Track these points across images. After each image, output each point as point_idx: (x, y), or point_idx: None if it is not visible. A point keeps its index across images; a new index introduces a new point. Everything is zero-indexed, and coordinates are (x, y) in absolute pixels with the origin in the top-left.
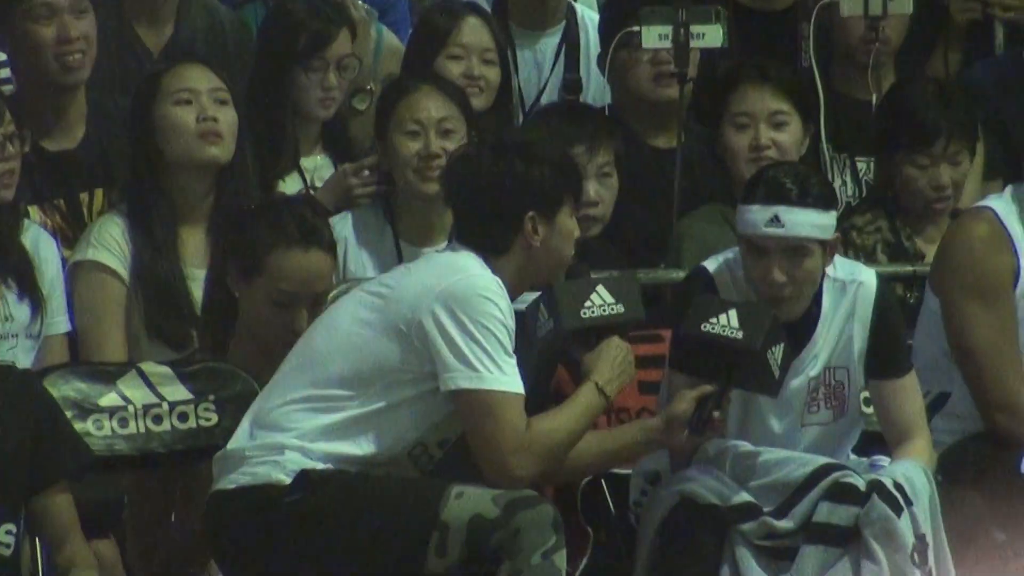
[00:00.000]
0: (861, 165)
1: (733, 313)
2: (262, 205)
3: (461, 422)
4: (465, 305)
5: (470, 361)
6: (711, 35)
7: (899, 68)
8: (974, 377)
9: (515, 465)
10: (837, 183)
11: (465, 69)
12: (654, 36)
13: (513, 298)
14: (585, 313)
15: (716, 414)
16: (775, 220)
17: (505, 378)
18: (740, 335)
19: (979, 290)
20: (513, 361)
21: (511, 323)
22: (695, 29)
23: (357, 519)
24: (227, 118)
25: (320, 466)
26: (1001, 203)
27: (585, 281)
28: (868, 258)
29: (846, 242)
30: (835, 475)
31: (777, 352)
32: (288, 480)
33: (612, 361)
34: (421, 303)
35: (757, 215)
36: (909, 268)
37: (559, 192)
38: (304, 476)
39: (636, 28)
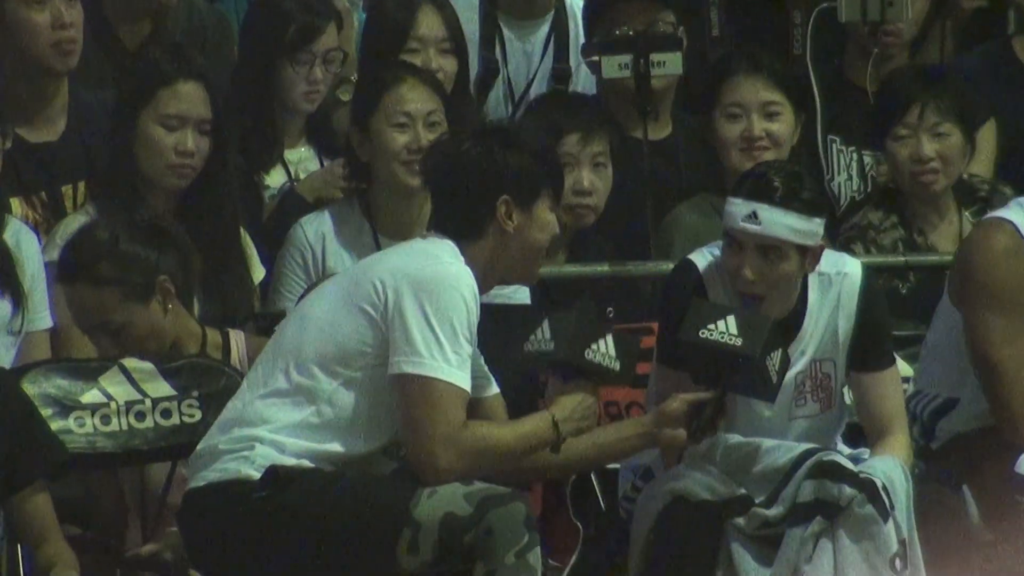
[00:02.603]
0: (868, 160)
1: (732, 320)
2: None
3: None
4: (429, 292)
5: (418, 347)
6: (671, 63)
7: (913, 55)
8: (996, 390)
9: (441, 456)
10: (842, 177)
11: (422, 62)
12: (614, 66)
13: (485, 289)
14: (588, 354)
15: (715, 418)
16: (752, 216)
17: (450, 369)
18: (740, 342)
19: (1001, 303)
20: (466, 356)
21: (474, 318)
22: (655, 57)
23: (327, 516)
24: (204, 149)
25: (291, 461)
26: (1018, 214)
27: (600, 324)
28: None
29: (865, 241)
30: (817, 455)
31: (775, 358)
32: (257, 475)
33: (579, 406)
34: (389, 284)
35: (738, 208)
36: (901, 259)
37: (537, 181)
38: (273, 471)
39: (596, 58)
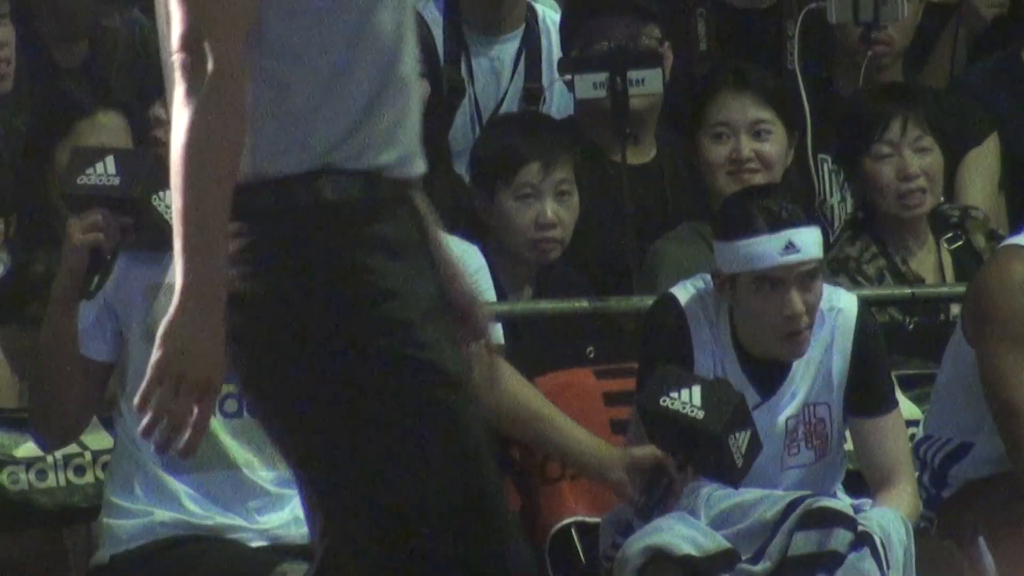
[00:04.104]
0: None
1: (697, 390)
2: None
3: None
4: None
5: None
6: (651, 81)
7: (907, 70)
8: (1014, 433)
9: None
10: (835, 199)
11: None
12: (588, 86)
13: None
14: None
15: (673, 488)
16: (790, 247)
17: None
18: (701, 415)
19: (1019, 338)
20: None
21: None
22: (633, 75)
23: None
24: None
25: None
26: None
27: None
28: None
29: (848, 272)
30: (807, 501)
31: (742, 439)
32: None
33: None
34: None
35: (768, 245)
36: (907, 290)
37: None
38: None
39: (569, 76)
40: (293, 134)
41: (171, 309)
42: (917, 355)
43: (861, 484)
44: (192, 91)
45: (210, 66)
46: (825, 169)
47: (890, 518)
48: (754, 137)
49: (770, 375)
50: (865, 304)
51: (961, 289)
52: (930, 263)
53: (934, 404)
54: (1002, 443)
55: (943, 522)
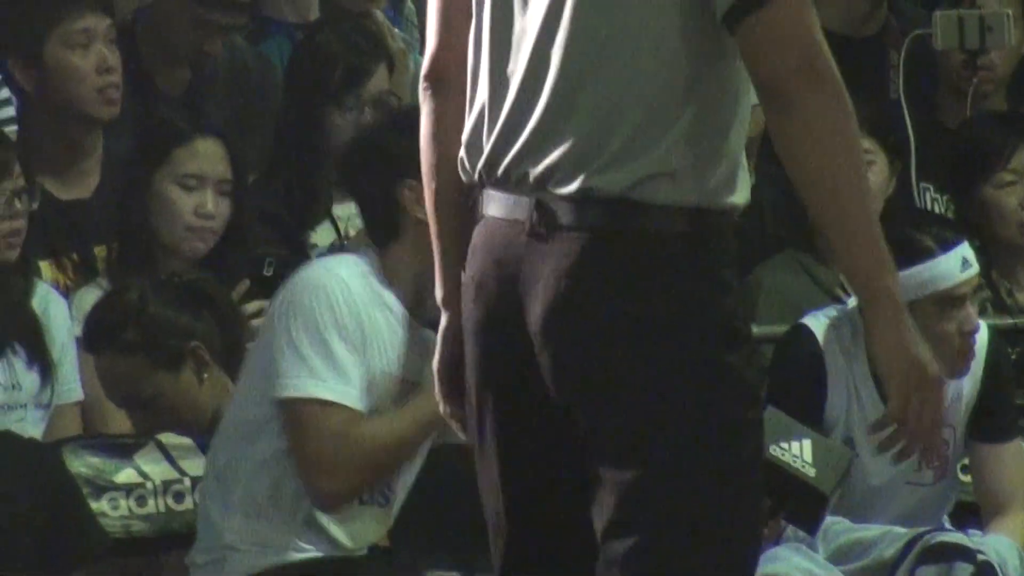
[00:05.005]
0: None
1: (808, 444)
2: None
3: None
4: (291, 307)
5: (280, 367)
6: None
7: (1012, 98)
8: None
9: (322, 482)
10: None
11: None
12: None
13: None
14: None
15: (765, 532)
16: (966, 262)
17: (316, 384)
18: (812, 474)
19: None
20: (343, 363)
21: (348, 318)
22: None
23: None
24: (224, 211)
25: None
26: None
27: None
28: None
29: None
30: (925, 538)
31: (836, 496)
32: None
33: None
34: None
35: (948, 264)
36: (1011, 321)
37: None
38: None
39: None
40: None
41: (868, 326)
42: (1021, 386)
43: (966, 516)
44: (819, 101)
45: (830, 89)
46: (927, 197)
47: (1006, 545)
48: None
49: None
50: (995, 330)
51: None
52: None
53: None
54: None
55: None
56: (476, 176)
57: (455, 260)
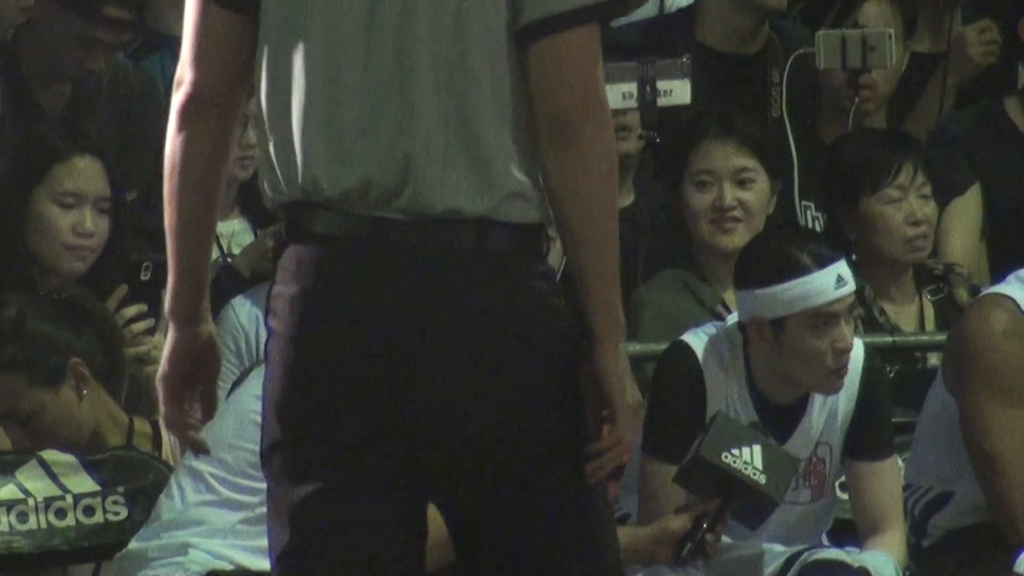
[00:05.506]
0: None
1: (758, 451)
2: None
3: None
4: None
5: None
6: (679, 91)
7: (891, 116)
8: (996, 486)
9: None
10: None
11: None
12: (617, 95)
13: None
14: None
15: (709, 537)
16: (840, 280)
17: None
18: (763, 480)
19: (1001, 388)
20: None
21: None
22: (662, 86)
23: None
24: (103, 230)
25: (228, 567)
26: (1018, 289)
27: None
28: None
29: None
30: (803, 556)
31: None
32: None
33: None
34: None
35: (821, 282)
36: (888, 339)
37: None
38: None
39: None
40: None
41: (601, 352)
42: (897, 404)
43: (843, 535)
44: (594, 138)
45: (604, 122)
46: (808, 216)
47: (883, 560)
48: (737, 185)
49: (784, 418)
50: (871, 348)
51: (941, 338)
52: (911, 313)
53: (914, 453)
54: (982, 493)
55: (923, 572)
56: (299, 194)
57: (198, 277)
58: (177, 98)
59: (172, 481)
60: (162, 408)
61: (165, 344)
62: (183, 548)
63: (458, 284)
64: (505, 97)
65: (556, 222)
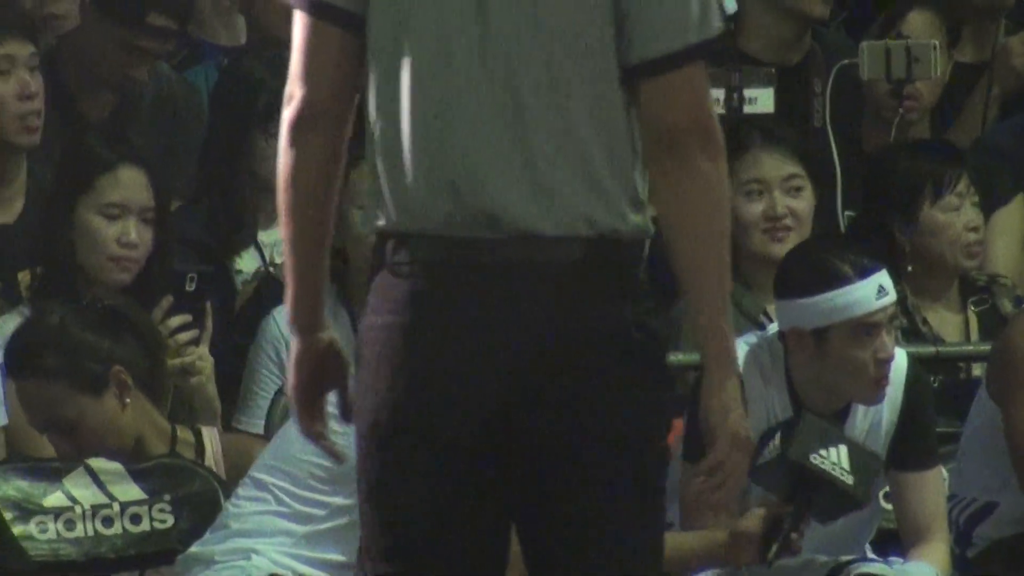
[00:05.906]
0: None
1: (844, 451)
2: None
3: None
4: None
5: None
6: (764, 100)
7: (934, 127)
8: None
9: None
10: None
11: None
12: None
13: None
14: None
15: (794, 536)
16: (882, 290)
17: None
18: (851, 481)
19: None
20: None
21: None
22: (748, 93)
23: None
24: (147, 240)
25: (289, 575)
26: None
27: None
28: None
29: None
30: (846, 569)
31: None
32: None
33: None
34: None
35: (863, 292)
36: (932, 349)
37: None
38: None
39: None
40: None
41: (707, 381)
42: (941, 414)
43: (888, 543)
44: (709, 161)
45: (718, 150)
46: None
47: (928, 572)
48: (787, 193)
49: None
50: (915, 358)
51: (985, 348)
52: (955, 324)
53: (958, 463)
54: None
55: None
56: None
57: (316, 286)
58: (287, 113)
59: (239, 490)
60: (295, 418)
61: (289, 354)
62: (247, 553)
63: (567, 300)
64: (611, 121)
65: (669, 248)
